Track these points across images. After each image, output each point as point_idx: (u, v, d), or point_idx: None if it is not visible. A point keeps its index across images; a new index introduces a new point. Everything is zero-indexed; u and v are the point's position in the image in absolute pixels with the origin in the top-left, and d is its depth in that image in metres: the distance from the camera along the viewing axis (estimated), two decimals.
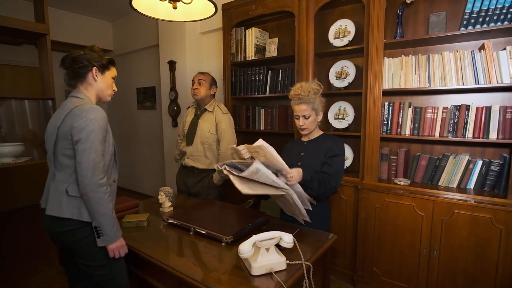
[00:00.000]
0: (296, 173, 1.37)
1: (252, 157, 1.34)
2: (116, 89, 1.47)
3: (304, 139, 1.72)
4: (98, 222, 1.22)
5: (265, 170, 1.23)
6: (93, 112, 1.23)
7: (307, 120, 1.60)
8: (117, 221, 1.30)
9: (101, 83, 1.37)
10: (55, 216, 1.23)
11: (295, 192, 1.38)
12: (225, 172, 1.33)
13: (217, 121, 2.25)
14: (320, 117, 1.65)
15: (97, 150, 1.21)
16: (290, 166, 1.43)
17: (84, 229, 1.25)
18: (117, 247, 1.28)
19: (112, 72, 1.42)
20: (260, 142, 1.27)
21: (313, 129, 1.66)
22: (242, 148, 1.34)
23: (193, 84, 2.26)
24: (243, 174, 1.25)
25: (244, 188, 1.25)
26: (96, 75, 1.35)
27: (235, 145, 1.43)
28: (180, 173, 2.43)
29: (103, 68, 1.36)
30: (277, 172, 1.35)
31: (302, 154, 1.67)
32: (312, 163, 1.61)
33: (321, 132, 1.72)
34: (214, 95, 2.36)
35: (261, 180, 1.28)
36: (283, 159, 1.33)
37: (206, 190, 2.29)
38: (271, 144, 1.30)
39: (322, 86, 1.63)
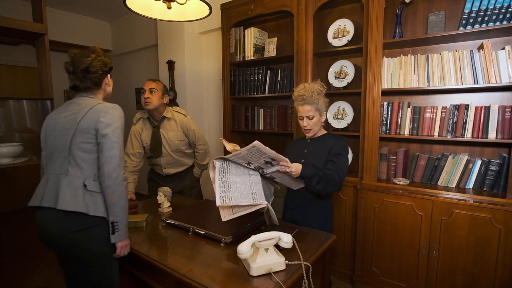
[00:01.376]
0: (294, 170, 1.38)
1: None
2: None
3: (308, 137, 1.72)
4: (116, 216, 1.23)
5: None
6: (117, 110, 1.29)
7: (311, 121, 1.60)
8: None
9: (110, 87, 1.45)
10: (66, 211, 1.18)
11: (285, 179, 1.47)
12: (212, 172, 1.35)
13: (185, 127, 2.23)
14: (324, 118, 1.65)
15: (121, 146, 1.26)
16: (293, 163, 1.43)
17: (95, 228, 1.24)
18: (124, 245, 1.29)
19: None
20: (255, 143, 1.25)
21: (317, 130, 1.66)
22: (232, 149, 1.35)
23: (143, 93, 2.11)
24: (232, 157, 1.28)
25: (225, 214, 1.29)
26: (108, 81, 1.41)
27: (225, 140, 1.44)
28: (155, 181, 2.36)
29: (110, 72, 1.42)
30: (272, 162, 1.36)
31: (305, 151, 1.68)
32: (315, 160, 1.61)
33: (325, 132, 1.73)
34: (167, 104, 2.24)
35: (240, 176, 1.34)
36: (286, 156, 1.34)
37: (189, 189, 2.39)
38: (270, 145, 1.30)
39: (325, 87, 1.64)
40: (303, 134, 1.74)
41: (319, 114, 1.61)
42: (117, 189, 1.22)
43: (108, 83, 1.41)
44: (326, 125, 2.49)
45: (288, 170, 1.38)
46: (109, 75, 1.40)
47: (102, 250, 1.27)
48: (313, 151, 1.65)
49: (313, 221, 1.62)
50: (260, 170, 1.41)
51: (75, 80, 1.32)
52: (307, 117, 1.59)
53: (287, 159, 1.37)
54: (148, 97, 2.09)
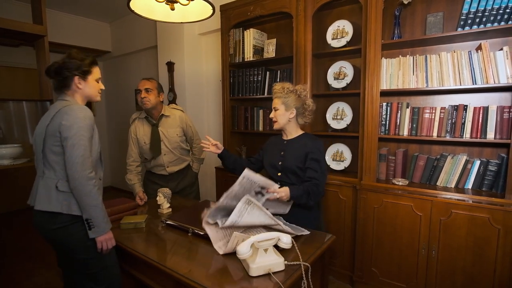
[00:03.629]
0: (284, 194, 1.42)
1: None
2: (103, 88, 1.49)
3: (284, 137, 1.75)
4: (89, 214, 1.28)
5: (255, 201, 1.27)
6: (81, 111, 1.29)
7: (276, 113, 1.68)
8: (107, 214, 1.36)
9: (86, 89, 1.41)
10: (45, 211, 1.28)
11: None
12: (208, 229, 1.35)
13: (184, 122, 2.31)
14: (291, 115, 1.67)
15: (85, 146, 1.27)
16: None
17: (75, 225, 1.31)
18: (105, 239, 1.34)
19: (95, 74, 1.43)
20: (245, 172, 1.29)
21: (283, 123, 1.69)
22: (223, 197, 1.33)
23: (139, 93, 2.14)
24: (234, 214, 1.24)
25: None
26: (79, 83, 1.37)
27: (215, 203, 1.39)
28: (156, 182, 2.31)
29: (84, 74, 1.38)
30: (262, 191, 1.36)
31: (282, 153, 1.70)
32: (292, 163, 1.64)
33: (301, 132, 1.74)
34: (163, 102, 2.29)
35: (253, 212, 1.30)
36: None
37: (190, 186, 2.43)
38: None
39: (305, 90, 1.69)
40: (281, 133, 1.78)
41: (285, 109, 1.66)
42: (82, 190, 1.25)
43: (79, 85, 1.37)
44: (326, 125, 2.50)
45: (278, 197, 1.40)
46: (76, 77, 1.36)
47: (86, 244, 1.32)
48: (290, 153, 1.68)
49: (304, 221, 1.60)
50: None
51: (51, 80, 1.38)
52: (274, 108, 1.68)
53: (276, 185, 1.39)
54: (145, 97, 2.13)
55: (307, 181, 1.56)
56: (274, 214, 1.59)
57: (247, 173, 1.26)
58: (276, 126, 1.72)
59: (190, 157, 2.45)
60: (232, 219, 1.21)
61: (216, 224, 1.34)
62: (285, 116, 1.67)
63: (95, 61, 1.44)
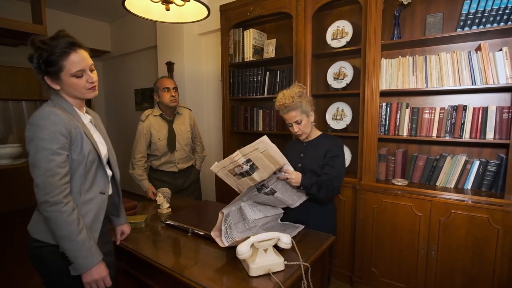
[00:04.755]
0: (294, 177, 1.39)
1: (248, 160, 1.31)
2: (92, 80, 1.13)
3: (302, 140, 1.73)
4: (61, 247, 1.03)
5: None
6: (43, 118, 1.02)
7: (300, 125, 1.61)
8: (91, 244, 1.05)
9: (65, 88, 1.11)
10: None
11: (285, 191, 1.47)
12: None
13: (192, 120, 2.44)
14: (312, 118, 1.65)
15: (48, 161, 1.00)
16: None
17: (52, 248, 1.07)
18: (93, 280, 1.05)
19: (70, 68, 1.06)
20: (263, 137, 1.25)
21: (309, 130, 1.67)
22: (236, 154, 1.31)
23: (167, 91, 2.21)
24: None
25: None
26: (52, 83, 1.10)
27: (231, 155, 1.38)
28: (164, 181, 2.33)
29: (53, 73, 1.07)
30: (276, 172, 1.35)
31: (301, 155, 1.68)
32: (312, 163, 1.62)
33: (319, 133, 1.73)
34: None
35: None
36: None
37: (195, 183, 2.50)
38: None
39: (305, 87, 1.66)
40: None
41: (306, 116, 1.61)
42: (47, 216, 1.00)
43: (53, 85, 1.10)
44: (325, 125, 2.50)
45: (288, 177, 1.38)
46: (45, 78, 1.08)
47: (62, 279, 1.09)
48: (310, 154, 1.66)
49: (316, 221, 1.61)
50: (260, 185, 1.38)
51: None
52: (295, 122, 1.60)
53: (290, 166, 1.37)
54: (174, 95, 2.22)
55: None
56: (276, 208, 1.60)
57: (265, 140, 1.23)
58: (303, 137, 1.68)
59: (193, 156, 2.52)
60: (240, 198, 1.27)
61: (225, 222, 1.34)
62: (309, 123, 1.64)
63: (67, 48, 1.05)
